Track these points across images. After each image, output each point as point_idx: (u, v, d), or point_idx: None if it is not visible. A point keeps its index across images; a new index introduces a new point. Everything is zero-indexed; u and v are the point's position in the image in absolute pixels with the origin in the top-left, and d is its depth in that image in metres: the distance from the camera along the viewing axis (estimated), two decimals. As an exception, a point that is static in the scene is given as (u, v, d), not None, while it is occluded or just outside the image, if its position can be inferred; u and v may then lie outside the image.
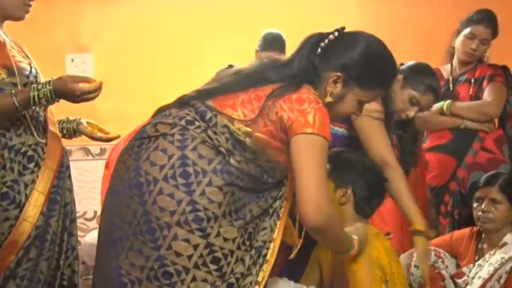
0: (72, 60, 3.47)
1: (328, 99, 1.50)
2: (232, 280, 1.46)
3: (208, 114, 1.48)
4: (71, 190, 1.87)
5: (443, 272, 2.17)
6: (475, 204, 2.23)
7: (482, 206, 2.18)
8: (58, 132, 1.85)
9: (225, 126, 1.48)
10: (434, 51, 3.20)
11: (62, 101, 2.93)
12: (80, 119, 2.04)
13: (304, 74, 1.49)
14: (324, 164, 1.46)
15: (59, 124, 1.91)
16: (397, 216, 2.35)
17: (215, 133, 1.47)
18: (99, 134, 2.01)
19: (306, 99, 1.45)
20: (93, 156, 3.51)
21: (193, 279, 1.42)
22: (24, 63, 1.79)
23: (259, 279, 1.49)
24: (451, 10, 3.25)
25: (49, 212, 1.76)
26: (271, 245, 1.50)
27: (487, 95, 2.69)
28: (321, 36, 1.54)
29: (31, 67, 1.80)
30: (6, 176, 1.68)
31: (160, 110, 1.57)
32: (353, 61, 1.51)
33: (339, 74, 1.50)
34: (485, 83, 2.71)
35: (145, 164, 1.45)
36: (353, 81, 1.51)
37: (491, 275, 2.10)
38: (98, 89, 1.71)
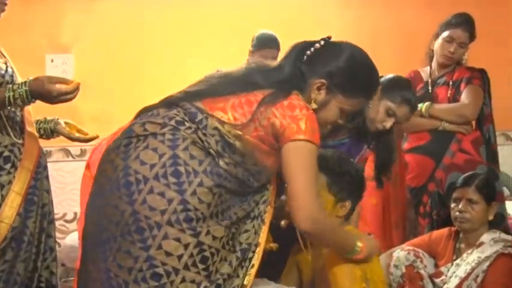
0: (52, 61, 3.43)
1: (313, 105, 1.54)
2: (220, 281, 1.46)
3: (199, 116, 1.50)
4: (48, 191, 1.86)
5: (422, 271, 2.20)
6: (452, 205, 2.26)
7: (460, 206, 2.21)
8: (35, 133, 1.83)
9: (216, 128, 1.49)
10: (415, 53, 3.24)
11: (37, 107, 2.90)
12: (57, 119, 2.02)
13: (292, 80, 1.53)
14: (314, 169, 1.50)
15: (36, 124, 1.89)
16: (378, 217, 2.38)
17: (205, 135, 1.48)
18: (77, 135, 1.99)
19: (297, 105, 1.48)
20: (73, 158, 3.48)
21: (183, 280, 1.41)
22: (0, 62, 1.77)
23: (246, 282, 1.50)
24: (432, 13, 3.29)
25: (26, 213, 1.74)
26: (257, 249, 1.53)
27: (464, 97, 2.73)
28: (307, 44, 1.59)
29: (7, 66, 1.79)
30: None
31: (146, 110, 1.57)
32: (337, 69, 1.55)
33: (323, 80, 1.54)
34: (462, 85, 2.75)
35: (135, 163, 1.44)
36: (336, 88, 1.55)
37: (469, 274, 2.13)
38: (76, 90, 1.70)
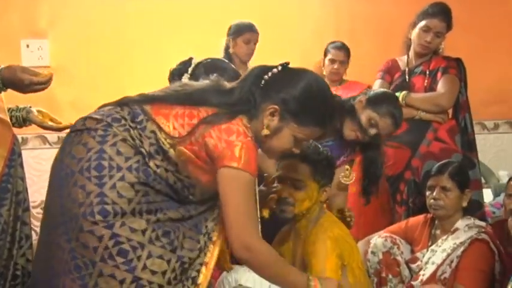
0: (28, 46, 3.36)
1: (265, 131, 1.52)
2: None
3: (140, 117, 1.52)
4: (23, 178, 1.83)
5: (399, 257, 2.24)
6: (427, 193, 2.30)
7: (434, 194, 2.24)
8: (8, 120, 1.80)
9: (153, 132, 1.51)
10: (393, 42, 3.27)
11: (13, 93, 2.83)
12: (30, 107, 1.99)
13: (242, 104, 1.51)
14: (250, 199, 1.48)
15: (8, 112, 1.86)
16: (356, 204, 2.41)
17: (140, 135, 1.50)
18: (50, 123, 1.96)
19: (235, 130, 1.46)
20: (50, 145, 3.43)
21: (100, 273, 1.41)
22: None
23: None
24: (410, 2, 3.30)
25: (0, 201, 1.72)
26: (203, 268, 1.50)
27: (440, 86, 2.76)
28: (265, 69, 1.56)
29: None
30: None
31: (101, 107, 1.59)
32: (291, 96, 1.52)
33: (276, 106, 1.51)
34: (439, 74, 2.78)
35: (67, 158, 1.49)
36: (290, 115, 1.52)
37: (444, 260, 2.18)
38: (49, 80, 1.67)
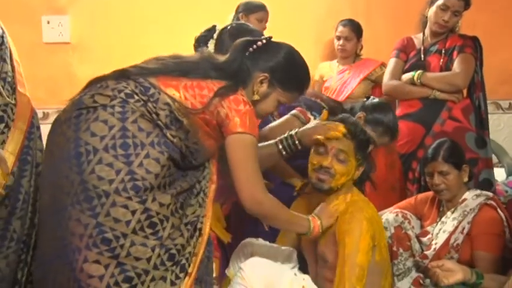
0: (48, 22, 3.42)
1: (256, 97, 1.73)
2: (174, 251, 1.56)
3: (152, 90, 1.60)
4: (42, 150, 1.88)
5: (410, 232, 2.27)
6: (427, 178, 2.33)
7: (434, 180, 2.28)
8: (27, 94, 1.86)
9: (167, 104, 1.60)
10: (409, 21, 3.25)
11: (35, 68, 2.90)
12: None
13: (240, 74, 1.70)
14: (255, 157, 1.66)
15: None
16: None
17: (155, 107, 1.58)
18: None
19: (241, 100, 1.65)
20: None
21: (132, 243, 1.50)
22: None
23: (196, 251, 1.62)
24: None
25: (20, 172, 1.77)
26: (205, 219, 1.67)
27: (456, 66, 2.74)
28: (250, 42, 1.76)
29: None
30: None
31: (95, 81, 1.64)
32: (278, 65, 1.74)
33: (266, 74, 1.73)
34: (455, 53, 2.76)
35: (85, 135, 1.53)
36: (277, 82, 1.74)
37: (455, 228, 2.21)
38: None
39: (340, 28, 3.28)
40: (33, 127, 1.84)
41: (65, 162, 1.53)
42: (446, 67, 2.76)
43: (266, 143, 1.96)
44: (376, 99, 2.30)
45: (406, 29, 3.09)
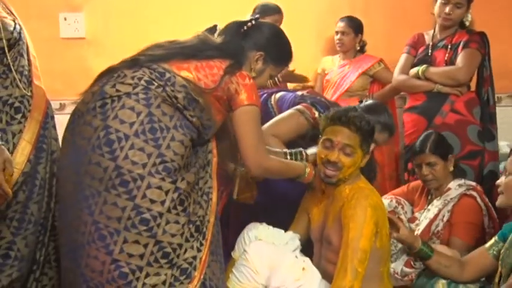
0: (65, 19, 3.52)
1: (252, 74, 1.86)
2: (198, 223, 1.68)
3: (167, 75, 1.69)
4: (56, 139, 1.98)
5: (402, 216, 2.41)
6: (416, 170, 2.44)
7: (422, 171, 2.39)
8: (42, 86, 1.96)
9: (183, 86, 1.69)
10: (407, 19, 3.30)
11: (52, 62, 2.98)
12: None
13: (238, 53, 1.84)
14: (259, 126, 1.84)
15: None
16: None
17: (173, 91, 1.67)
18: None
19: (246, 75, 1.80)
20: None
21: (167, 221, 1.60)
22: (8, 19, 1.86)
23: (209, 218, 1.74)
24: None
25: (36, 159, 1.87)
26: (213, 190, 1.79)
27: (459, 60, 2.78)
28: (241, 23, 1.90)
29: (15, 23, 1.87)
30: None
31: (109, 71, 1.72)
32: (270, 42, 1.89)
33: (262, 53, 1.87)
34: (460, 48, 2.79)
35: (114, 122, 1.60)
36: (271, 59, 1.89)
37: (436, 215, 2.34)
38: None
39: (339, 23, 3.36)
40: (48, 117, 1.93)
41: (95, 150, 1.59)
42: (451, 62, 2.80)
43: (274, 150, 2.04)
44: (370, 101, 2.35)
45: (404, 26, 3.14)
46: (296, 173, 2.00)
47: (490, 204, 2.34)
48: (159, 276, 1.59)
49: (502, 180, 1.95)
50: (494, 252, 1.88)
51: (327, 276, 1.93)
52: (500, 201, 1.97)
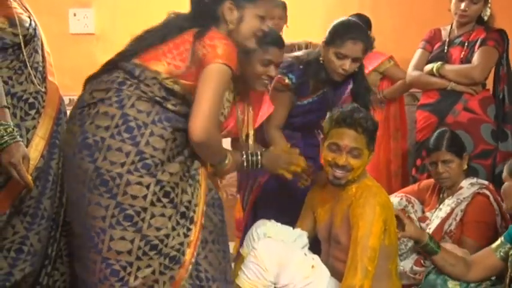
0: (75, 15, 3.53)
1: (230, 26, 1.71)
2: (183, 209, 1.66)
3: (137, 71, 1.65)
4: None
5: (412, 215, 2.38)
6: (430, 168, 2.41)
7: (438, 169, 2.36)
8: (56, 82, 1.97)
9: (154, 78, 1.64)
10: (416, 16, 3.27)
11: (61, 58, 2.97)
12: None
13: (207, 13, 1.70)
14: (223, 90, 1.65)
15: None
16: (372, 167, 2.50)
17: (148, 85, 1.63)
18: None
19: (216, 36, 1.65)
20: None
21: (152, 215, 1.60)
22: (24, 15, 1.87)
23: (197, 201, 1.69)
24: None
25: (49, 155, 1.88)
26: (201, 171, 1.73)
27: (475, 58, 2.72)
28: None
29: (31, 20, 1.89)
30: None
31: (91, 78, 1.72)
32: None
33: (230, 0, 1.70)
34: (477, 46, 2.73)
35: (90, 128, 1.61)
36: (243, 0, 1.71)
37: (449, 214, 2.32)
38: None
39: None
40: (60, 113, 1.95)
41: (76, 155, 1.63)
42: (467, 60, 2.74)
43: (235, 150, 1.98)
44: (336, 21, 2.23)
45: (412, 23, 3.10)
46: (222, 157, 1.80)
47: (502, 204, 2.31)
48: (150, 267, 1.61)
49: (504, 186, 1.95)
50: (502, 253, 1.88)
51: (336, 274, 1.93)
52: (505, 207, 2.00)
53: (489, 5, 2.75)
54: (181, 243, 1.64)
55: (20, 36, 1.81)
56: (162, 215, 1.62)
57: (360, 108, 1.98)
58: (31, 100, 1.84)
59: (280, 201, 2.20)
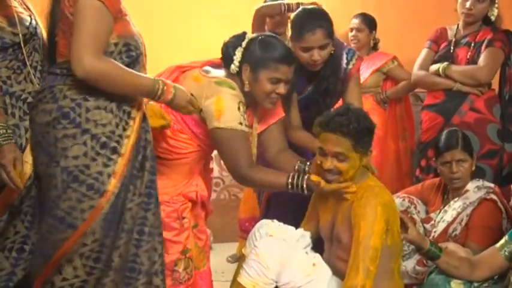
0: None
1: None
2: (104, 139, 1.71)
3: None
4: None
5: (415, 216, 2.35)
6: (442, 168, 2.36)
7: (452, 169, 2.32)
8: None
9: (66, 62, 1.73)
10: (419, 16, 3.25)
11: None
12: None
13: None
14: (103, 24, 1.64)
15: None
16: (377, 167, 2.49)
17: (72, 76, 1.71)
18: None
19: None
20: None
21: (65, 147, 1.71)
22: (25, 14, 1.88)
23: (128, 133, 1.76)
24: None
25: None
26: (133, 108, 1.80)
27: (481, 60, 2.71)
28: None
29: (31, 19, 1.89)
30: (7, 121, 1.77)
31: None
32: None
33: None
34: (483, 47, 2.72)
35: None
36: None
37: (454, 219, 2.28)
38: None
39: (353, 20, 3.35)
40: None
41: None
42: (473, 60, 2.73)
43: (277, 171, 1.97)
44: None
45: (415, 23, 3.09)
46: (142, 83, 1.73)
47: (508, 206, 2.28)
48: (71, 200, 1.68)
49: None
50: (506, 253, 1.86)
51: (338, 273, 1.93)
52: None
53: (496, 5, 2.73)
54: (100, 172, 1.68)
55: (20, 35, 1.81)
56: (76, 143, 1.67)
57: (343, 111, 1.91)
58: (30, 99, 1.83)
59: (291, 199, 2.18)
